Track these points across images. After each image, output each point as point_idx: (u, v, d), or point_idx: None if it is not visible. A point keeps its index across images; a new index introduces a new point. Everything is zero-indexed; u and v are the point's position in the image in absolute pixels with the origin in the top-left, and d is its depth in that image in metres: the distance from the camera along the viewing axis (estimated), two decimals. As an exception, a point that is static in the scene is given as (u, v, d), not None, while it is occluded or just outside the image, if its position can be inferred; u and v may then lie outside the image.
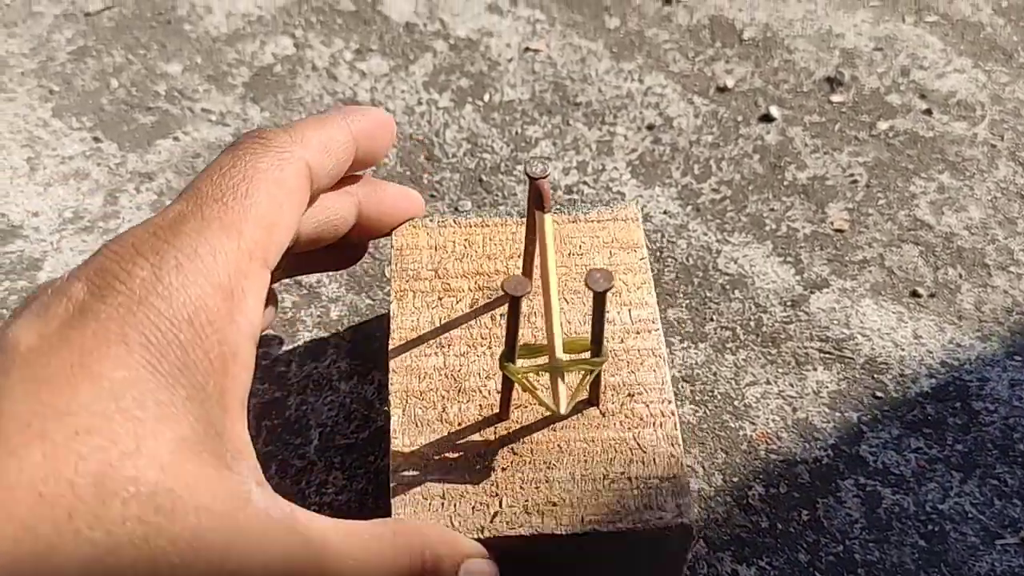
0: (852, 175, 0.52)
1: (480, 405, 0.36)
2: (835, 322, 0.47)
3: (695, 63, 0.58)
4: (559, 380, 0.33)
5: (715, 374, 0.45)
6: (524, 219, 0.40)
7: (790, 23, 0.60)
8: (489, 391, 0.36)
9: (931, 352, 0.45)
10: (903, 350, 0.46)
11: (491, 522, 0.33)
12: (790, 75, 0.57)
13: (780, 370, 0.45)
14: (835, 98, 0.56)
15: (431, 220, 0.42)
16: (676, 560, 0.36)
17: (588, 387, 0.35)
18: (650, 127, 0.55)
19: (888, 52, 0.58)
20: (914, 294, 0.48)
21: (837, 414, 0.44)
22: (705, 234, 0.50)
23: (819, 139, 0.54)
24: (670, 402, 0.36)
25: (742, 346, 0.46)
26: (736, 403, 0.44)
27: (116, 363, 0.25)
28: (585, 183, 0.52)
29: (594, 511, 0.33)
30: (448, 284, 0.40)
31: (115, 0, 0.62)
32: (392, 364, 0.37)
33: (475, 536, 0.32)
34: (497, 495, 0.34)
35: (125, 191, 0.52)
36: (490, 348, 0.38)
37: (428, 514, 0.33)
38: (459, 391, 0.36)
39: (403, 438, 0.35)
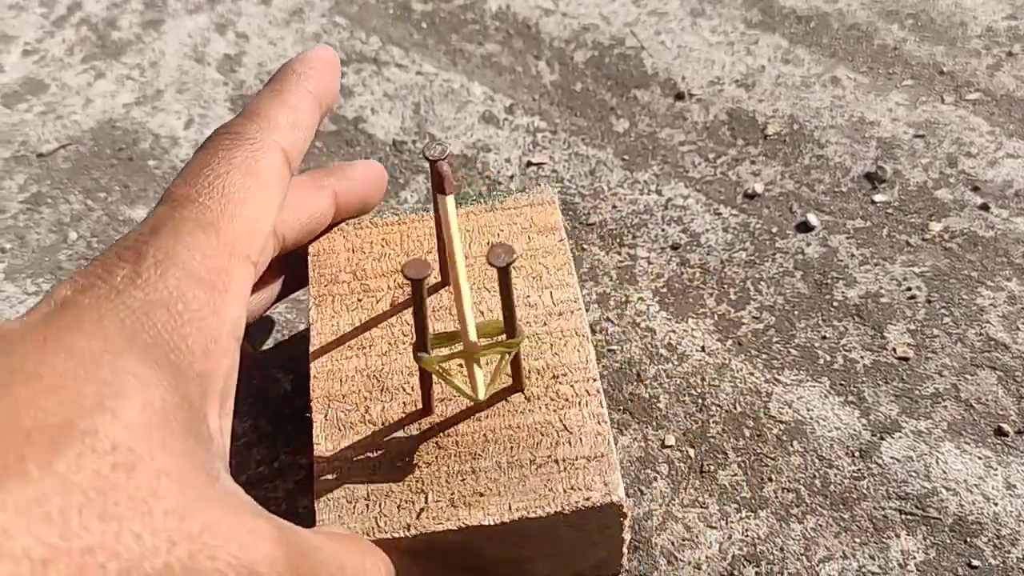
0: (909, 289, 0.46)
1: (403, 403, 0.36)
2: (913, 474, 0.40)
3: (717, 167, 0.52)
4: (475, 366, 0.33)
5: (782, 549, 0.39)
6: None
7: (817, 113, 0.54)
8: (412, 388, 0.36)
9: (1030, 505, 0.39)
10: (996, 504, 0.39)
11: (417, 519, 0.32)
12: (824, 174, 0.51)
13: (857, 539, 0.39)
14: (878, 197, 0.50)
15: (347, 224, 0.41)
16: (614, 541, 0.35)
17: (510, 371, 0.35)
18: (675, 247, 0.48)
19: (930, 139, 0.52)
20: (999, 432, 0.41)
21: (930, 592, 0.37)
22: (751, 373, 0.44)
23: (867, 248, 0.48)
24: (595, 380, 0.35)
25: (809, 511, 0.40)
26: (810, 586, 0.37)
27: (88, 336, 0.26)
28: (608, 319, 0.46)
29: (521, 498, 0.33)
30: (367, 285, 0.39)
31: (71, 137, 0.56)
32: (313, 369, 0.37)
33: (403, 534, 0.32)
34: (423, 491, 0.33)
35: (88, 367, 0.45)
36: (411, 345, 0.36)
37: (353, 517, 0.32)
38: (382, 390, 0.36)
39: (325, 443, 0.35)
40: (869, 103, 0.54)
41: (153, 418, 0.25)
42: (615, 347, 0.45)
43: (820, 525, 0.39)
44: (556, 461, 0.34)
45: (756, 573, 0.38)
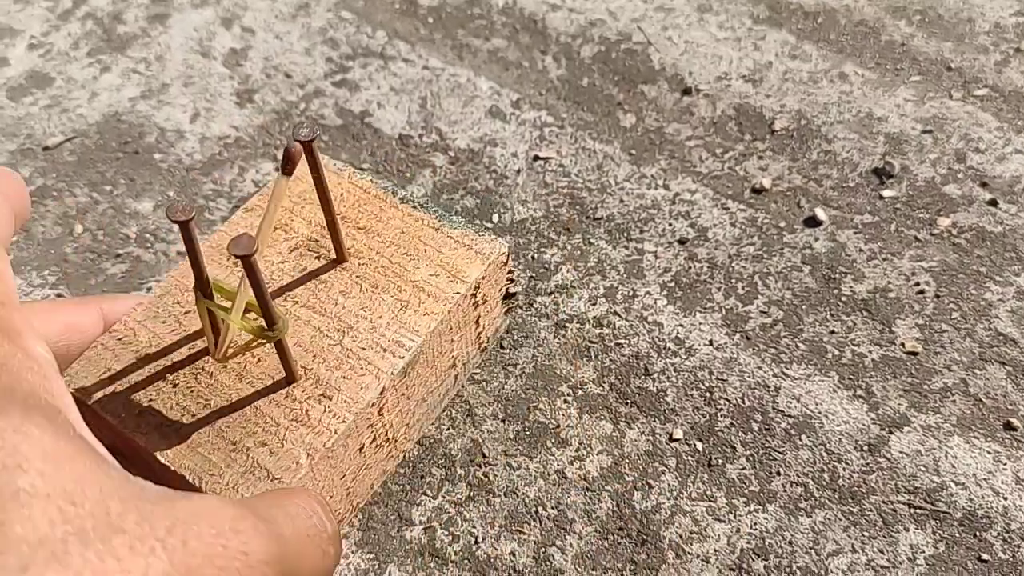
0: (918, 284, 0.46)
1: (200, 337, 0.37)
2: (922, 468, 0.40)
3: (724, 161, 0.52)
4: (228, 330, 0.35)
5: (791, 543, 0.38)
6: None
7: (825, 108, 0.54)
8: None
9: (1039, 499, 0.39)
10: (1006, 499, 0.39)
11: (131, 424, 0.35)
12: (832, 169, 0.51)
13: (866, 533, 0.38)
14: (886, 193, 0.50)
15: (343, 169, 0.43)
16: None
17: (281, 360, 0.35)
18: (682, 241, 0.48)
19: (938, 135, 0.52)
20: (1008, 426, 0.41)
21: (940, 586, 0.37)
22: (759, 368, 0.43)
23: (875, 243, 0.48)
24: (343, 422, 0.35)
25: (818, 505, 0.39)
26: (819, 579, 0.37)
27: None
28: (616, 313, 0.46)
29: (199, 461, 0.34)
30: (288, 224, 0.41)
31: (76, 131, 0.56)
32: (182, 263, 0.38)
33: (113, 421, 0.35)
34: (176, 409, 0.35)
35: (94, 359, 0.45)
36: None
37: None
38: (186, 314, 0.38)
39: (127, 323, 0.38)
40: (877, 99, 0.54)
41: (60, 458, 0.24)
42: (622, 341, 0.45)
43: (829, 519, 0.39)
44: (249, 456, 0.34)
45: (765, 567, 0.38)
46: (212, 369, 0.36)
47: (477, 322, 0.41)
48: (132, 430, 0.35)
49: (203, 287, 0.34)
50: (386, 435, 0.38)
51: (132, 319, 0.38)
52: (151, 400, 0.36)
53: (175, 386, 0.36)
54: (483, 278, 0.39)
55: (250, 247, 0.30)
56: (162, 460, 0.34)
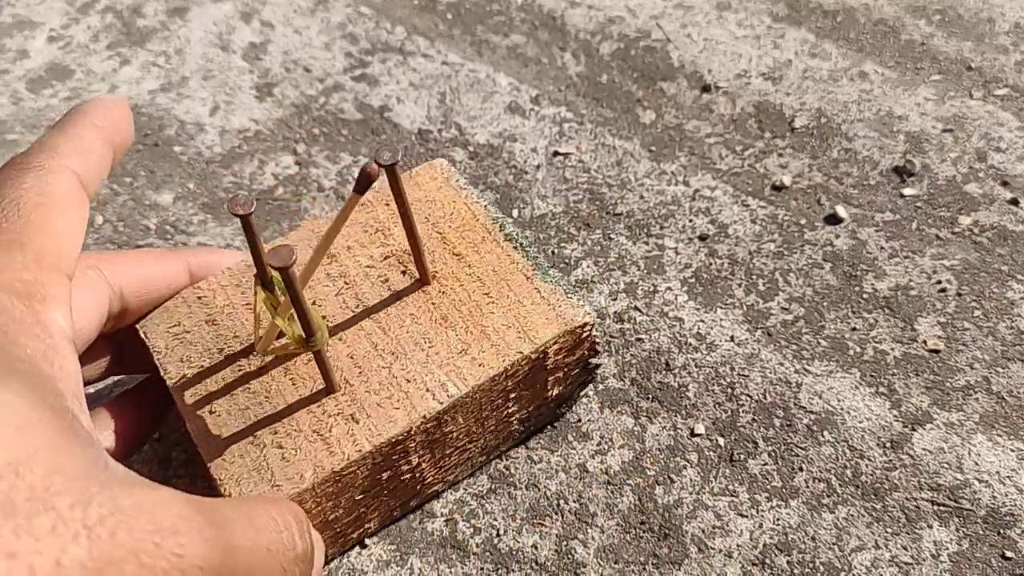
0: (939, 282, 0.46)
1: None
2: (945, 465, 0.40)
3: (744, 159, 0.52)
4: (275, 332, 0.35)
5: (814, 539, 0.38)
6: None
7: (845, 106, 0.54)
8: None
9: (1063, 497, 0.39)
10: (1029, 496, 0.39)
11: (192, 411, 0.36)
12: (853, 167, 0.51)
13: (889, 529, 0.38)
14: (907, 191, 0.50)
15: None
16: None
17: (320, 370, 0.35)
18: (703, 237, 0.48)
19: (959, 134, 0.52)
20: (1031, 424, 0.41)
21: (963, 583, 0.37)
22: (781, 364, 0.43)
23: (896, 241, 0.48)
24: (360, 451, 0.34)
25: (841, 501, 0.39)
26: (843, 575, 0.37)
27: None
28: (636, 308, 0.46)
29: (226, 456, 0.34)
30: (380, 229, 0.40)
31: (96, 123, 0.56)
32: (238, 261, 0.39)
33: (182, 411, 0.36)
34: (201, 367, 0.36)
35: (115, 350, 0.45)
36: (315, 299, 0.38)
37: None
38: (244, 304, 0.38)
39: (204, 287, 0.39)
40: (897, 97, 0.54)
41: (25, 425, 0.24)
42: (643, 336, 0.45)
43: (852, 515, 0.39)
44: (263, 453, 0.34)
45: (788, 562, 0.38)
46: (257, 362, 0.36)
47: (545, 385, 0.39)
48: (177, 391, 0.36)
49: (264, 279, 0.34)
50: (412, 474, 0.37)
51: (217, 281, 0.39)
52: (202, 367, 0.36)
53: (226, 360, 0.36)
54: (554, 344, 0.37)
55: (288, 259, 0.29)
56: (189, 429, 0.35)
